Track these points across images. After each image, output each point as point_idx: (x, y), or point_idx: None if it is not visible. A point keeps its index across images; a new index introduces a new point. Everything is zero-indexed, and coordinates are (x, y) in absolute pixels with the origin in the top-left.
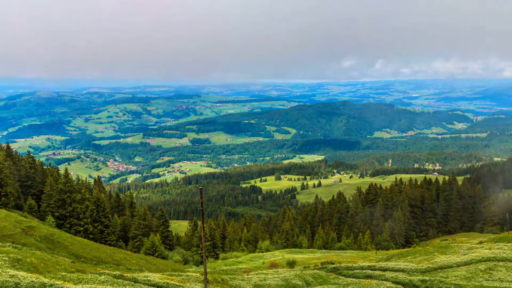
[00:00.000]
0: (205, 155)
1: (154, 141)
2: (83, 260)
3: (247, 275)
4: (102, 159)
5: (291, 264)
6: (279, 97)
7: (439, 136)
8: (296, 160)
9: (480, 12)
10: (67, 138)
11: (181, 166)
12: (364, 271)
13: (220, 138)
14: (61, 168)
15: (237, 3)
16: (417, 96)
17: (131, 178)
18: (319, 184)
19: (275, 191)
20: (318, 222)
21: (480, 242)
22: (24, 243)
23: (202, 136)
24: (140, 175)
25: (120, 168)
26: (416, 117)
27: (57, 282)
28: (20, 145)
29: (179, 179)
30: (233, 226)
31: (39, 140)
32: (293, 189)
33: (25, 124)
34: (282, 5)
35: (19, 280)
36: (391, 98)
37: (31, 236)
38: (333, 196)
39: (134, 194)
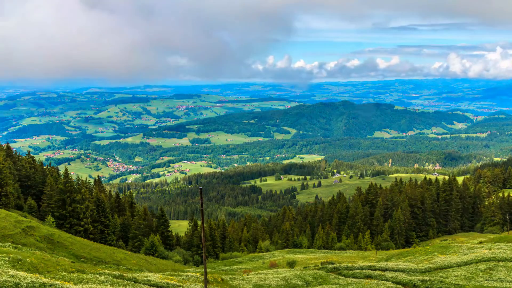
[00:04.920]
0: (205, 155)
1: (154, 141)
2: (83, 260)
3: (247, 275)
4: (102, 159)
5: (291, 264)
6: (279, 97)
7: (439, 136)
8: (296, 160)
9: None
10: (67, 138)
11: (181, 166)
12: (364, 271)
13: (220, 138)
14: (61, 168)
15: None
16: (417, 96)
17: (131, 178)
18: (319, 184)
19: (275, 191)
20: (318, 222)
21: (480, 242)
22: (24, 243)
23: (202, 136)
24: (140, 175)
25: (120, 168)
26: (416, 117)
27: (57, 282)
28: (20, 145)
29: (179, 179)
30: (233, 226)
31: (39, 140)
32: (293, 189)
33: (25, 124)
34: None
35: (19, 280)
36: (391, 98)
37: (31, 236)
38: (333, 196)
39: (134, 194)
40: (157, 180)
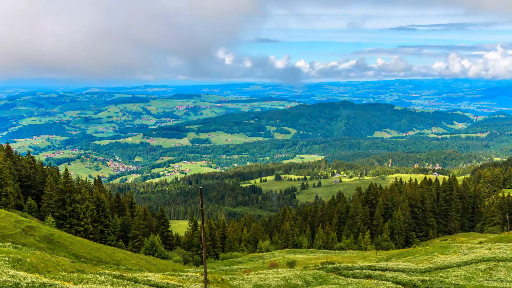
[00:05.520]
0: (205, 155)
1: (154, 141)
2: (83, 260)
3: (247, 275)
4: (102, 159)
5: (291, 264)
6: (279, 97)
7: (439, 136)
8: (296, 160)
9: None
10: (67, 138)
11: (181, 166)
12: (364, 271)
13: (220, 138)
14: (61, 168)
15: None
16: (417, 96)
17: (131, 178)
18: (319, 184)
19: (275, 191)
20: (318, 222)
21: (480, 242)
22: (24, 243)
23: (202, 136)
24: (140, 175)
25: (120, 168)
26: (416, 117)
27: (57, 282)
28: (20, 145)
29: (179, 179)
30: (233, 226)
31: (39, 140)
32: (293, 189)
33: (25, 124)
34: None
35: (19, 280)
36: (391, 98)
37: (31, 236)
38: (333, 196)
39: (134, 194)
40: (157, 180)
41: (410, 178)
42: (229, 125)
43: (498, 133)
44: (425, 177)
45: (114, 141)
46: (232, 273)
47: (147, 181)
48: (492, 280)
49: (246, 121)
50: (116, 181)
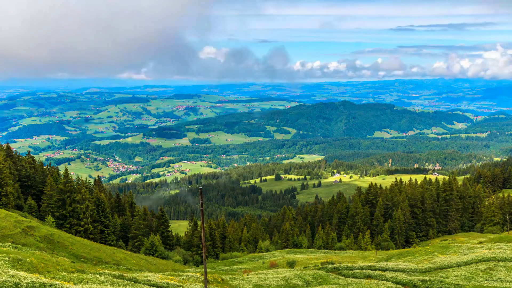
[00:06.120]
0: (205, 155)
1: (154, 141)
2: (83, 260)
3: (247, 275)
4: (102, 159)
5: (291, 264)
6: (279, 97)
7: (439, 136)
8: (296, 160)
9: None
10: (67, 138)
11: (181, 166)
12: (364, 271)
13: (220, 138)
14: (61, 168)
15: None
16: (417, 96)
17: (131, 178)
18: (319, 184)
19: (275, 191)
20: (318, 222)
21: (480, 242)
22: (24, 243)
23: (202, 136)
24: (140, 175)
25: (120, 168)
26: (416, 117)
27: (57, 282)
28: (20, 145)
29: (179, 179)
30: (233, 226)
31: (39, 140)
32: (293, 189)
33: (25, 124)
34: None
35: (19, 280)
36: (391, 98)
37: (31, 236)
38: (333, 196)
39: (134, 194)
40: (157, 180)
41: (410, 178)
42: (229, 125)
43: (498, 133)
44: (425, 177)
45: (114, 141)
46: (232, 273)
47: (147, 181)
48: (492, 280)
49: (246, 121)
50: (116, 181)
